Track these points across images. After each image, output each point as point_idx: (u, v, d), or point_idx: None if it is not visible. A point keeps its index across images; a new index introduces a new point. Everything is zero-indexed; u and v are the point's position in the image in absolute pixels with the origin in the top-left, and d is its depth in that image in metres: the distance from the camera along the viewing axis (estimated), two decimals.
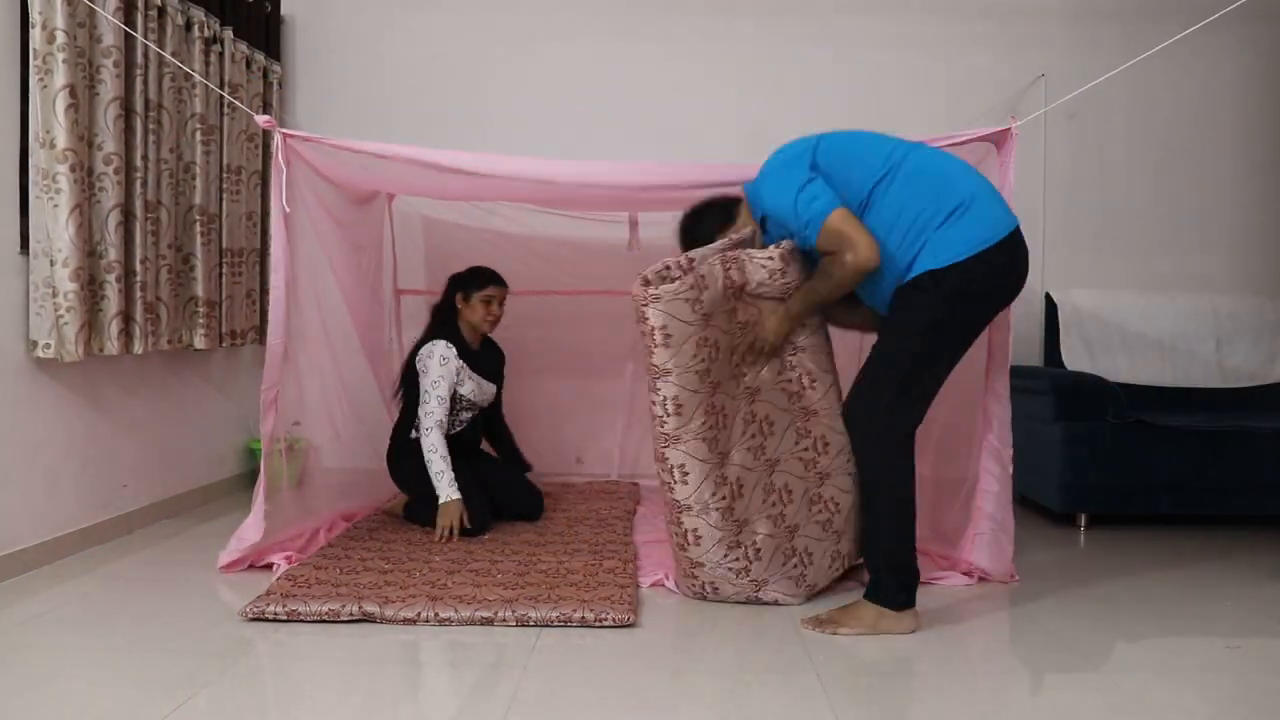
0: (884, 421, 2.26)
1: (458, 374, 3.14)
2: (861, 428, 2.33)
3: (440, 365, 3.08)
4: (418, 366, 3.15)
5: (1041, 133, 4.06)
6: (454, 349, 3.13)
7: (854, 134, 2.40)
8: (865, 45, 4.15)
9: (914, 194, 2.24)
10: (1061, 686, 1.97)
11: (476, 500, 3.06)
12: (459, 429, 3.24)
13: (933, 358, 2.26)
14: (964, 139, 2.66)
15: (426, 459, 3.00)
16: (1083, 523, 3.44)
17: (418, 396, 3.12)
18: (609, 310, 3.78)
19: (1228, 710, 1.87)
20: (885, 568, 2.25)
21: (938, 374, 2.29)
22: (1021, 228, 2.27)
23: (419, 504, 3.14)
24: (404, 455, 3.18)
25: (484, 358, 3.30)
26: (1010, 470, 2.65)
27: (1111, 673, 2.03)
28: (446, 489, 2.97)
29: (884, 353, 2.28)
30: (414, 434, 3.15)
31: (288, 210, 2.63)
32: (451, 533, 2.94)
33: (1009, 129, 2.62)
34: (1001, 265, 2.22)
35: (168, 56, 3.04)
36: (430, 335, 3.21)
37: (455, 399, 3.17)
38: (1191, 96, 4.18)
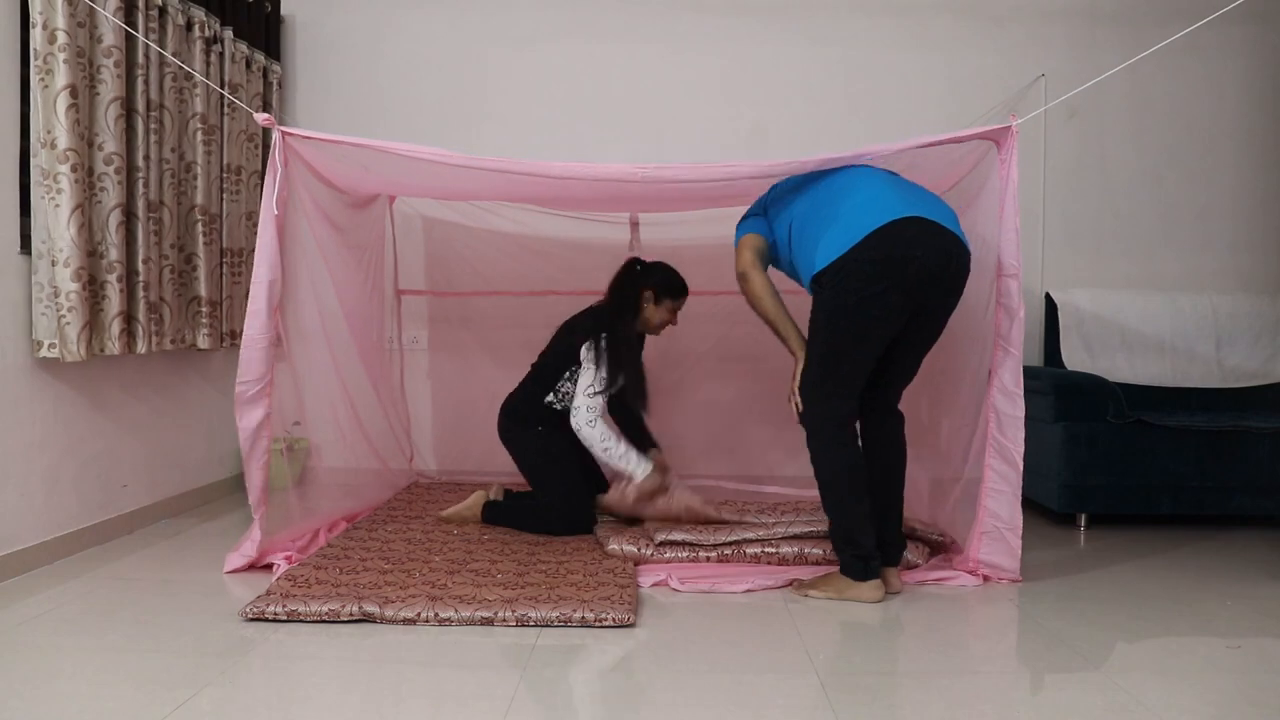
0: (815, 412, 2.50)
1: None
2: (804, 422, 2.54)
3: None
4: (585, 351, 3.06)
5: (1041, 133, 4.06)
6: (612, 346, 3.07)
7: (812, 176, 2.67)
8: (866, 45, 4.15)
9: (811, 205, 2.56)
10: (1061, 686, 1.97)
11: (582, 493, 3.14)
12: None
13: (839, 350, 2.44)
14: (964, 136, 2.65)
15: (600, 447, 3.00)
16: (1083, 523, 3.44)
17: (563, 364, 3.12)
18: None
19: (1228, 710, 1.87)
20: (841, 543, 2.51)
21: (855, 364, 2.45)
22: (930, 219, 2.37)
23: (546, 479, 3.15)
24: (536, 422, 3.17)
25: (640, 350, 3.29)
26: (1020, 469, 2.61)
27: (1111, 673, 2.03)
28: (639, 463, 3.02)
29: (807, 353, 2.55)
30: (550, 399, 3.16)
31: (275, 211, 2.59)
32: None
33: (1009, 127, 2.62)
34: (880, 256, 2.34)
35: (169, 56, 3.04)
36: (610, 322, 3.11)
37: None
38: (1192, 97, 4.18)
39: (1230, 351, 3.91)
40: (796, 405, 2.56)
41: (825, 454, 2.49)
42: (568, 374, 3.13)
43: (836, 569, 2.56)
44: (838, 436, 2.49)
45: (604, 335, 3.05)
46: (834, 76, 4.16)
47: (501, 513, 3.20)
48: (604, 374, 3.02)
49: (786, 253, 2.66)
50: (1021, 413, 2.60)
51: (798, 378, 2.58)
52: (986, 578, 2.66)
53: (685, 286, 3.25)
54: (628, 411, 3.47)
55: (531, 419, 3.18)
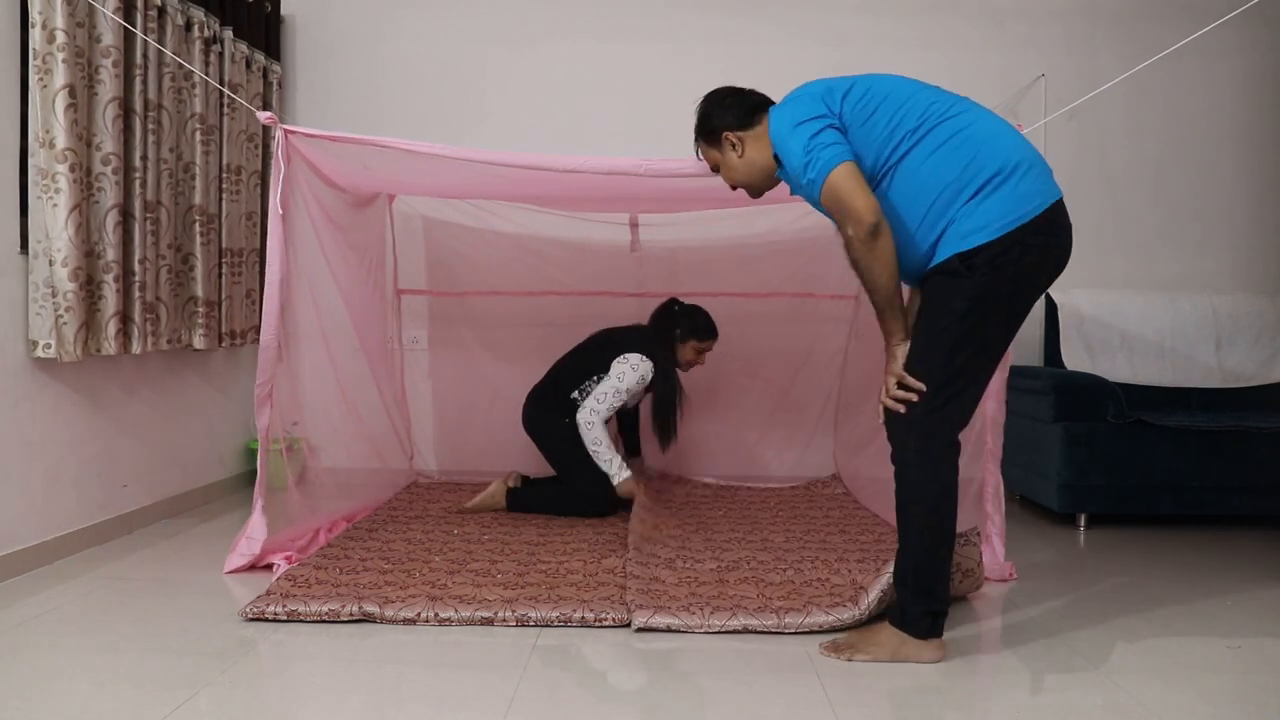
0: (927, 423, 1.99)
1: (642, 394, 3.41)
2: (899, 437, 2.04)
3: (638, 384, 3.29)
4: (618, 364, 3.29)
5: (1042, 133, 4.06)
6: (653, 366, 3.31)
7: (893, 81, 2.09)
8: (866, 45, 4.14)
9: (942, 162, 1.96)
10: (1061, 686, 1.96)
11: (604, 480, 3.30)
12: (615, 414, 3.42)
13: (973, 353, 1.99)
14: None
15: (593, 447, 3.25)
16: (1083, 523, 3.44)
17: (594, 368, 3.35)
18: (609, 311, 3.78)
19: (1228, 710, 1.86)
20: (913, 592, 2.05)
21: (981, 370, 2.04)
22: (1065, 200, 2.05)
23: (573, 464, 3.33)
24: (563, 413, 3.36)
25: None
26: (999, 469, 2.70)
27: (1111, 673, 2.03)
28: (619, 471, 3.27)
29: (918, 353, 2.01)
30: (575, 395, 3.37)
31: (280, 211, 2.62)
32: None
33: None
34: (1042, 243, 1.96)
35: (168, 53, 3.04)
36: (651, 349, 3.34)
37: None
38: (1191, 97, 4.18)
39: (1230, 351, 3.91)
40: (890, 405, 2.03)
41: (929, 480, 2.01)
42: (596, 377, 3.35)
43: (882, 623, 2.11)
44: (948, 459, 2.02)
45: (651, 361, 3.30)
46: (834, 76, 4.15)
47: (526, 498, 3.40)
48: (625, 390, 3.26)
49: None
50: (1004, 418, 2.66)
51: (898, 371, 2.03)
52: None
53: (714, 330, 3.45)
54: (629, 417, 3.71)
55: (559, 409, 3.38)
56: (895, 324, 2.04)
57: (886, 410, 2.06)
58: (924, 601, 2.04)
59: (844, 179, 1.93)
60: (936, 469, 2.01)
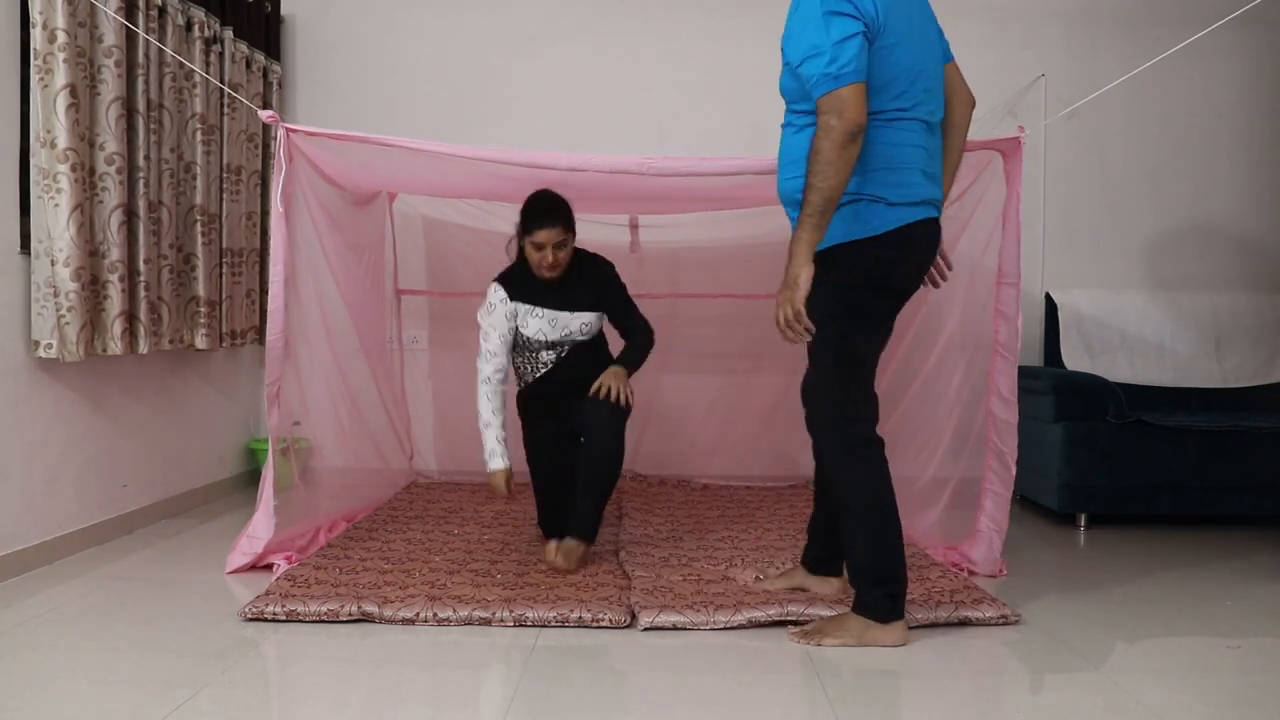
0: (837, 422, 2.17)
1: (515, 315, 2.79)
2: (827, 431, 2.18)
3: (486, 313, 2.80)
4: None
5: (1041, 133, 4.06)
6: (503, 290, 2.78)
7: (916, 28, 2.14)
8: None
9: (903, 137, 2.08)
10: (1061, 686, 1.97)
11: (551, 496, 2.84)
12: (541, 372, 2.85)
13: (858, 347, 2.15)
14: (970, 146, 2.65)
15: (480, 413, 2.78)
16: (1083, 523, 3.44)
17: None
18: None
19: (1228, 710, 1.86)
20: (867, 581, 2.16)
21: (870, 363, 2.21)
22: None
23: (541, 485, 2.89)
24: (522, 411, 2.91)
25: (564, 287, 2.80)
26: (1013, 472, 2.67)
27: (1111, 673, 2.03)
28: (485, 458, 2.76)
29: (824, 344, 2.11)
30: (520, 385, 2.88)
31: (281, 209, 2.62)
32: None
33: (1018, 138, 2.61)
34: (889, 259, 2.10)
35: (170, 53, 3.04)
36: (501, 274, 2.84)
37: (523, 342, 2.82)
38: (1191, 97, 4.18)
39: (1230, 351, 3.91)
40: (805, 329, 2.01)
41: (856, 474, 2.16)
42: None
43: (846, 610, 2.22)
44: (868, 452, 2.17)
45: (497, 282, 2.80)
46: None
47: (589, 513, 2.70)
48: (488, 329, 2.78)
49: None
50: (1015, 419, 2.65)
51: (801, 303, 1.99)
52: (970, 572, 2.70)
53: (534, 218, 2.72)
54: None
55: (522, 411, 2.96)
56: (819, 235, 2.00)
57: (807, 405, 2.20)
58: (882, 586, 2.14)
59: (855, 95, 1.96)
60: (860, 464, 2.16)
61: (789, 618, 2.25)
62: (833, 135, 1.94)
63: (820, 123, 1.97)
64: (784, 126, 2.20)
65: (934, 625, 2.26)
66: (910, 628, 2.23)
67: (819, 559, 2.47)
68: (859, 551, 2.16)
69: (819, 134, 1.97)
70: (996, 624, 2.28)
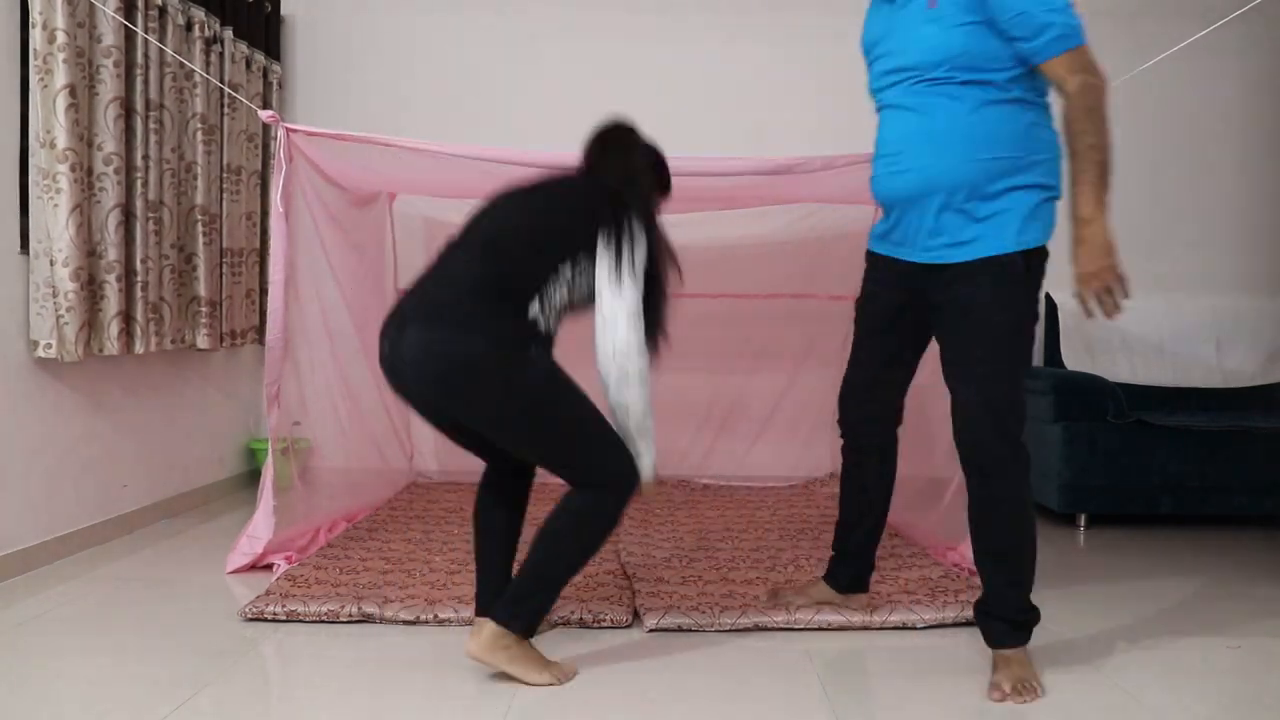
0: (1018, 434, 1.91)
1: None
2: (1009, 451, 1.90)
3: (634, 252, 1.89)
4: (609, 232, 1.89)
5: None
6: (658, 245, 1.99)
7: None
8: None
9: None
10: (1061, 686, 1.96)
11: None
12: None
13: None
14: None
15: (640, 400, 1.87)
16: (1083, 523, 3.44)
17: (551, 243, 1.90)
18: None
19: (1228, 710, 1.87)
20: (1027, 614, 1.95)
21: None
22: None
23: (578, 432, 1.89)
24: (523, 344, 1.84)
25: None
26: None
27: (1111, 673, 2.03)
28: (650, 463, 1.94)
29: (1005, 355, 1.92)
30: (536, 309, 1.85)
31: (281, 209, 2.63)
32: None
33: None
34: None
35: (169, 52, 3.04)
36: (635, 204, 1.98)
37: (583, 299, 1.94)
38: (1191, 96, 4.18)
39: (1230, 352, 3.91)
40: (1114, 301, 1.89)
41: (1026, 501, 1.94)
42: (570, 263, 1.88)
43: (1011, 653, 1.94)
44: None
45: (636, 218, 1.94)
46: (834, 76, 4.14)
47: (531, 580, 1.93)
48: (625, 261, 1.87)
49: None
50: None
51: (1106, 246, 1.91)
52: (972, 573, 2.68)
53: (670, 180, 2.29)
54: None
55: (512, 335, 1.83)
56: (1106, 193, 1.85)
57: (980, 426, 1.90)
58: (1033, 615, 1.97)
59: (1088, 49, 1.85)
60: (1027, 488, 1.96)
61: (795, 625, 2.24)
62: (1100, 90, 1.81)
63: (1079, 82, 1.82)
64: (937, 100, 1.88)
65: (941, 626, 2.26)
66: (918, 629, 2.24)
67: (854, 577, 2.31)
68: (1026, 575, 1.95)
69: (1086, 92, 1.83)
70: None
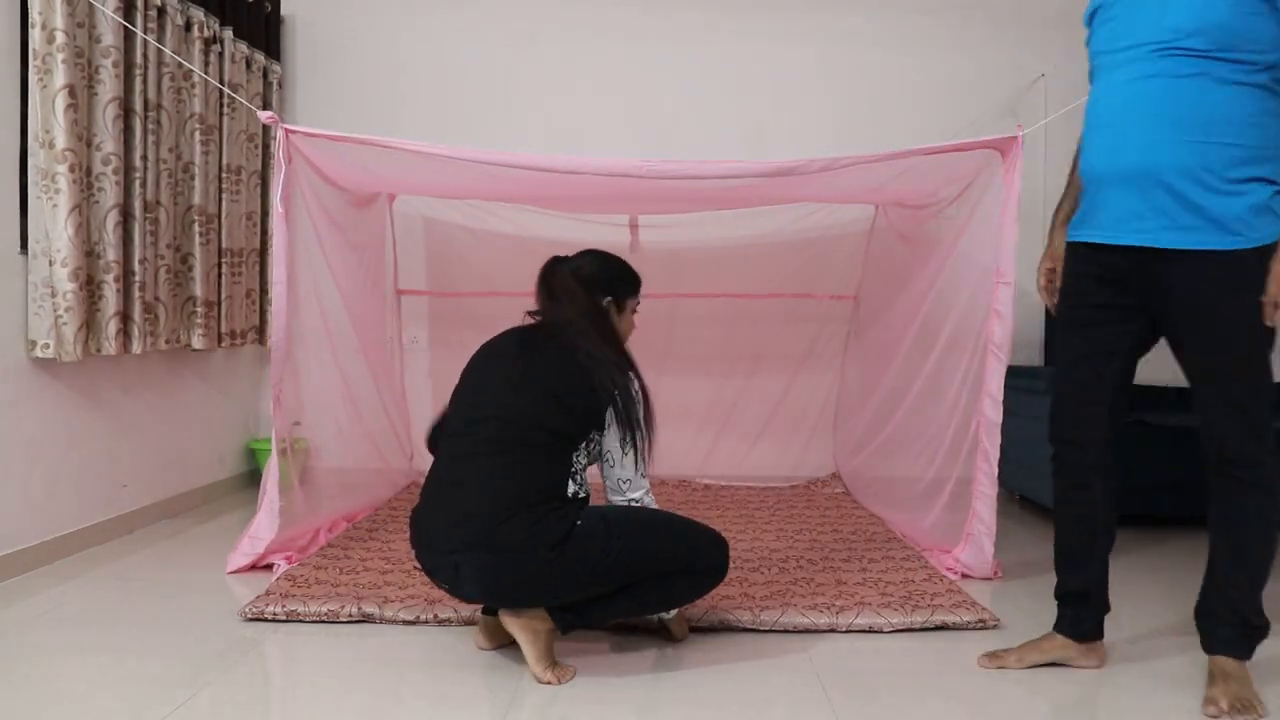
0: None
1: None
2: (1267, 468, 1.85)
3: (636, 414, 2.03)
4: (615, 404, 1.98)
5: (1042, 133, 4.06)
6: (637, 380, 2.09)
7: None
8: (866, 45, 4.14)
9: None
10: (1062, 686, 1.96)
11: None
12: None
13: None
14: (970, 145, 2.66)
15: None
16: None
17: (582, 431, 1.98)
18: None
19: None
20: (1260, 628, 1.88)
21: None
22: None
23: (670, 537, 2.07)
24: (570, 518, 1.92)
25: None
26: (995, 473, 2.67)
27: (1111, 673, 2.03)
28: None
29: (1257, 358, 1.87)
30: (574, 487, 1.98)
31: (281, 210, 2.63)
32: None
33: (1015, 137, 2.61)
34: None
35: (169, 53, 3.04)
36: (609, 356, 2.03)
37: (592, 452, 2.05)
38: None
39: None
40: None
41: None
42: (585, 444, 2.00)
43: (1233, 667, 1.85)
44: None
45: (634, 379, 2.05)
46: (834, 76, 4.16)
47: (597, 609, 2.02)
48: (629, 443, 2.02)
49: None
50: (1000, 418, 2.65)
51: None
52: (964, 575, 2.70)
53: (638, 276, 2.30)
54: None
55: (566, 528, 1.90)
56: None
57: (1244, 438, 1.90)
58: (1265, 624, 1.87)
59: None
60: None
61: (795, 626, 2.24)
62: None
63: None
64: (1178, 72, 1.74)
65: (909, 630, 2.26)
66: (885, 632, 2.25)
67: (1097, 622, 2.07)
68: (1258, 586, 1.87)
69: None
70: (974, 628, 2.27)
